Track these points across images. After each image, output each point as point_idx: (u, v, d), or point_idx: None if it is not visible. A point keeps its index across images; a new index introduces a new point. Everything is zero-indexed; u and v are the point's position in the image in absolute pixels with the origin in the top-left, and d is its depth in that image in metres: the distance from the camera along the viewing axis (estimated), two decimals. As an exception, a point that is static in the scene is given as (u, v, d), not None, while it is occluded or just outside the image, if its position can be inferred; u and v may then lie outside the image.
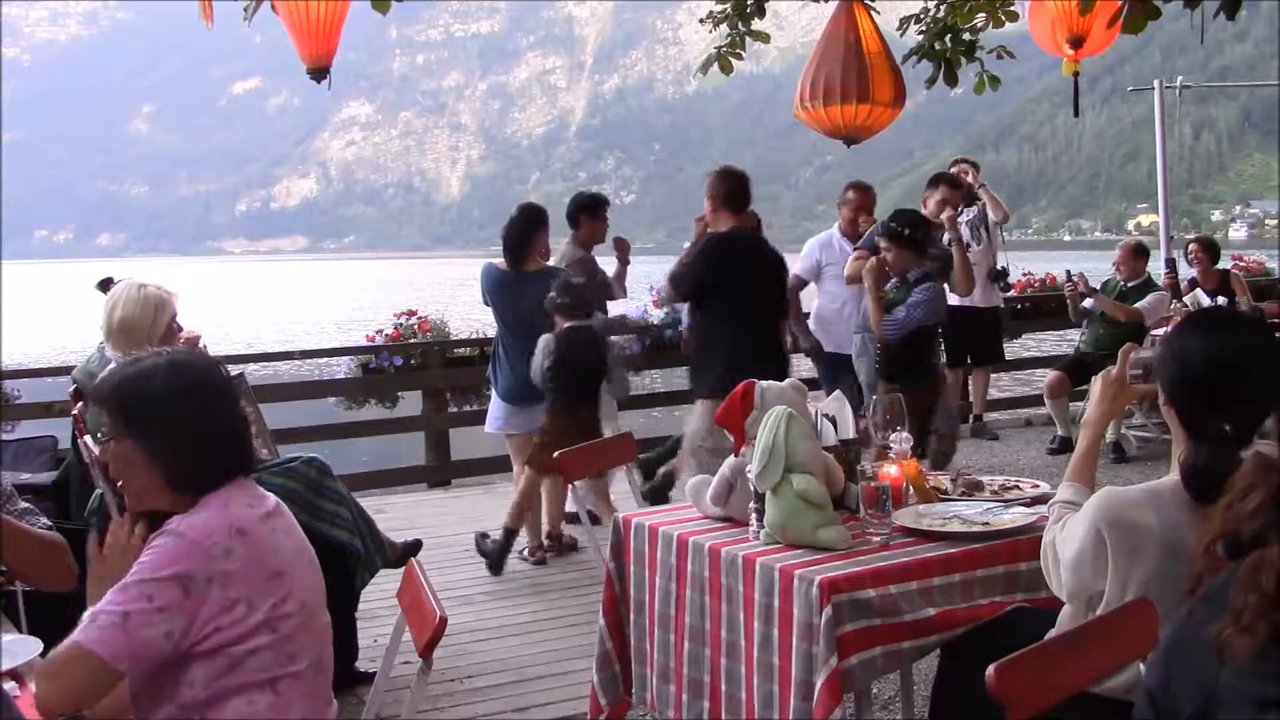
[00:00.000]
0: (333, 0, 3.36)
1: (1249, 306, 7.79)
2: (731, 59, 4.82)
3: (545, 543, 5.43)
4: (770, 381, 2.97)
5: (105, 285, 3.82)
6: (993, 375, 8.48)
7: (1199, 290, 8.07)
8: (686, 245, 5.19)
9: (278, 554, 1.96)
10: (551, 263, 5.60)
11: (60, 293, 37.72)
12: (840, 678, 2.36)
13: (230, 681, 1.89)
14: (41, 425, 5.86)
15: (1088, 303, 7.23)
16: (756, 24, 4.82)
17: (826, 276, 6.14)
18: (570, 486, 4.12)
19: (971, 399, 8.00)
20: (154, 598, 1.82)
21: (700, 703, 2.78)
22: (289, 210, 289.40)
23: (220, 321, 26.65)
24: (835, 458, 2.90)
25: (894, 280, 4.69)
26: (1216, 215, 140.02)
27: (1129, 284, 7.23)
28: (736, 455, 2.90)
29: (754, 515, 2.73)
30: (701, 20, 4.94)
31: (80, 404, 3.42)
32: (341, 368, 7.42)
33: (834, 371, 6.13)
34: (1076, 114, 5.50)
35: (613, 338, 6.39)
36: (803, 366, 8.35)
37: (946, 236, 5.47)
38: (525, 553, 5.32)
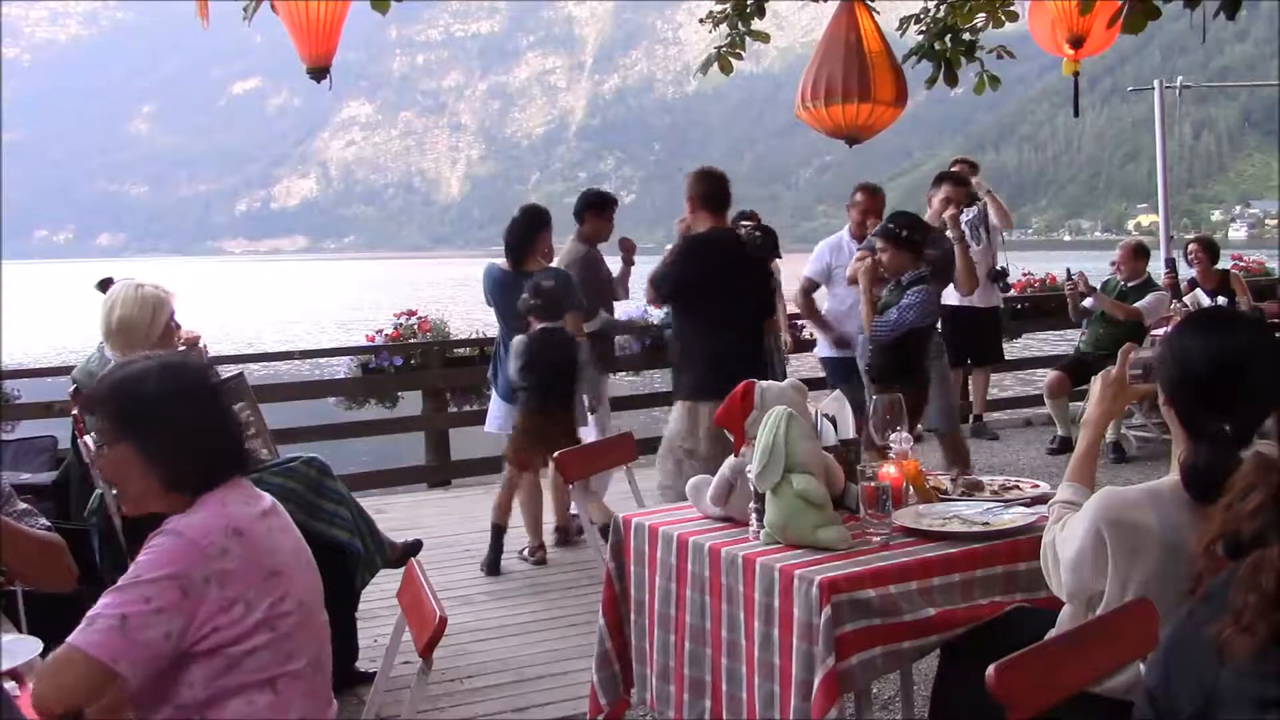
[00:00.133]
0: (333, 0, 3.36)
1: (1249, 306, 7.80)
2: (731, 59, 4.82)
3: (555, 535, 5.51)
4: (770, 382, 2.98)
5: (105, 285, 3.81)
6: (993, 375, 8.48)
7: (1199, 290, 8.07)
8: (669, 248, 5.18)
9: (275, 553, 1.96)
10: (555, 261, 5.62)
11: (60, 293, 37.74)
12: (838, 678, 2.36)
13: (229, 681, 1.89)
14: (41, 425, 5.86)
15: (1088, 302, 7.23)
16: (756, 24, 4.82)
17: (836, 279, 6.14)
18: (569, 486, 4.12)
19: (971, 399, 8.00)
20: (152, 599, 1.81)
21: (701, 702, 2.78)
22: (289, 210, 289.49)
23: (220, 321, 26.67)
24: (835, 458, 2.90)
25: (890, 284, 4.68)
26: (1216, 215, 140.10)
27: (1129, 284, 7.23)
28: (736, 455, 2.90)
29: (754, 515, 2.73)
30: (701, 20, 4.94)
31: (80, 404, 3.42)
32: (341, 368, 7.43)
33: (844, 373, 6.12)
34: (1076, 114, 5.50)
35: (617, 338, 6.43)
36: (803, 366, 8.36)
37: (951, 233, 5.46)
38: (525, 553, 5.32)
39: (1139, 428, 7.37)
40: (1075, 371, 7.12)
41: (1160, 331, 6.65)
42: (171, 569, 1.83)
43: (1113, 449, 6.95)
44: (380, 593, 4.13)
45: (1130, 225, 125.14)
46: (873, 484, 2.67)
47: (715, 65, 4.83)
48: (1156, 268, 8.35)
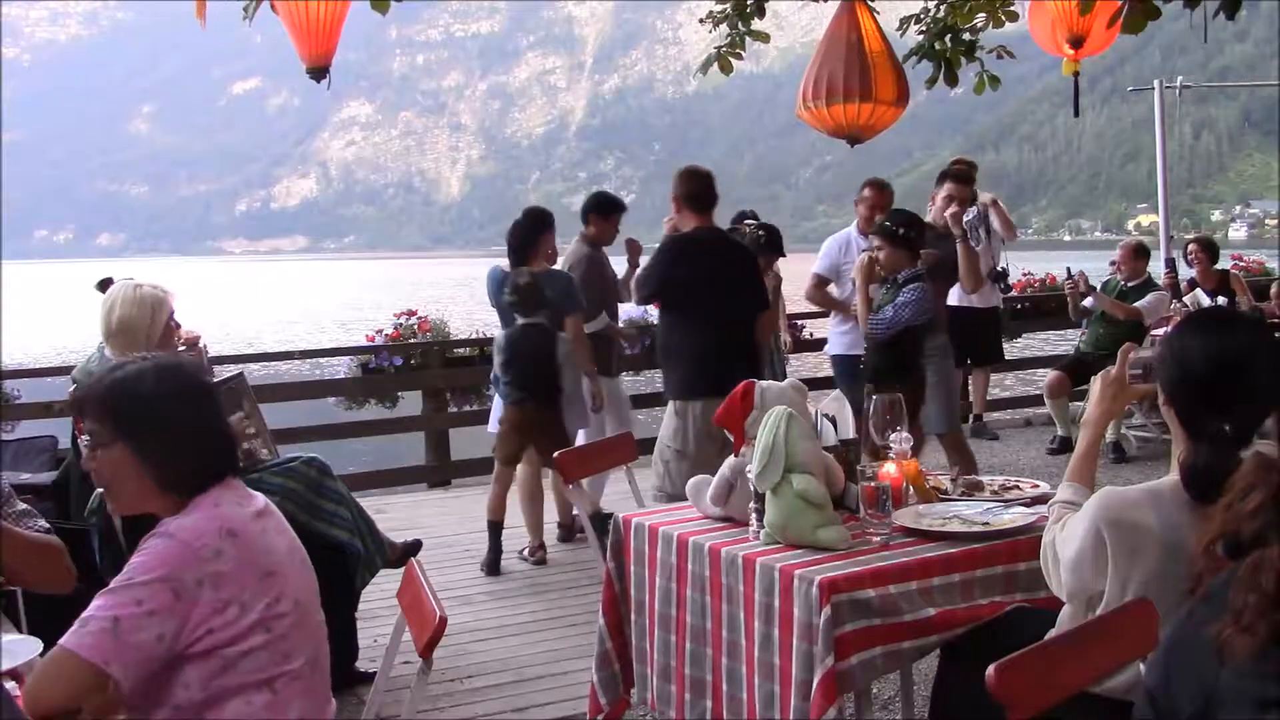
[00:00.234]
0: (333, 0, 3.36)
1: (1249, 306, 7.80)
2: (731, 59, 4.81)
3: (559, 531, 5.56)
4: (770, 382, 2.98)
5: (104, 285, 3.81)
6: (993, 375, 8.48)
7: (1199, 290, 8.08)
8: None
9: (270, 553, 1.96)
10: (559, 263, 5.63)
11: (60, 293, 37.75)
12: (837, 678, 2.35)
13: (226, 682, 1.88)
14: (41, 425, 5.86)
15: (1088, 301, 7.23)
16: (756, 24, 4.82)
17: (845, 276, 6.14)
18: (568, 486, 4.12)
19: (972, 399, 8.00)
20: (144, 601, 1.80)
21: (702, 702, 2.78)
22: (289, 210, 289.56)
23: (220, 321, 26.68)
24: (835, 458, 2.90)
25: (887, 283, 4.68)
26: (1216, 215, 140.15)
27: (1129, 284, 7.24)
28: (736, 455, 2.90)
29: (754, 515, 2.73)
30: (701, 20, 4.93)
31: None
32: (341, 368, 7.43)
33: (851, 371, 6.11)
34: (1076, 114, 5.50)
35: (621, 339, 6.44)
36: (803, 367, 8.36)
37: (954, 230, 5.46)
38: (525, 553, 5.33)
39: (1139, 428, 7.38)
40: (1075, 371, 7.13)
41: (1160, 331, 6.65)
42: (164, 571, 1.83)
43: (1113, 449, 6.95)
44: (380, 593, 4.13)
45: (1130, 225, 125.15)
46: (873, 484, 2.67)
47: (715, 65, 4.82)
48: (1156, 268, 8.36)
